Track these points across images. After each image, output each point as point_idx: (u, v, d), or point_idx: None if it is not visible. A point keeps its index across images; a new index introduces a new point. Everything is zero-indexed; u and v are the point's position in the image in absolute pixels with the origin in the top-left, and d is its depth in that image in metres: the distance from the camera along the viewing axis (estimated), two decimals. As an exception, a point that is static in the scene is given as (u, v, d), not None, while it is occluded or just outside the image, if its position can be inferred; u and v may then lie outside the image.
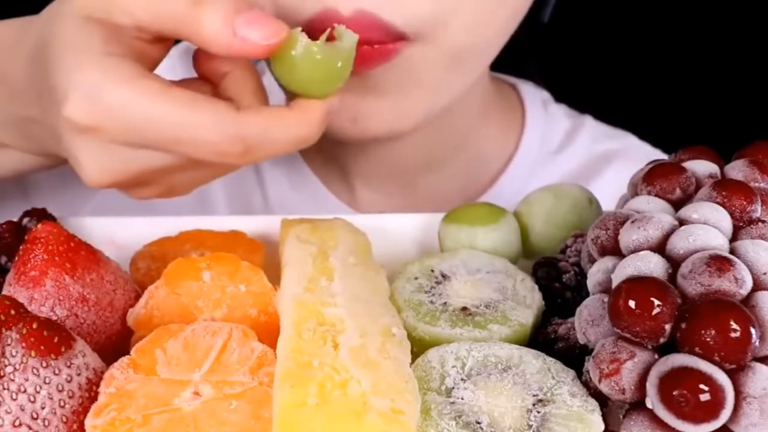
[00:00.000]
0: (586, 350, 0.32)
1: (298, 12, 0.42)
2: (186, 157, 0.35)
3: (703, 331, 0.26)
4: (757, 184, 0.33)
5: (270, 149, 0.35)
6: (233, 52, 0.34)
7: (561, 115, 0.65)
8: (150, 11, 0.34)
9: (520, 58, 0.60)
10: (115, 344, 0.35)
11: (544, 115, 0.64)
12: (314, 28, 0.41)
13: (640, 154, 0.64)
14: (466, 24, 0.44)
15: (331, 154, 0.59)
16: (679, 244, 0.30)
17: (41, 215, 0.41)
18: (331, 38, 0.36)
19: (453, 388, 0.30)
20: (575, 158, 0.63)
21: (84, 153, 0.35)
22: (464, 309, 0.35)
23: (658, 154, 0.64)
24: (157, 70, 0.38)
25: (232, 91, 0.38)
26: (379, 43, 0.42)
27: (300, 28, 0.35)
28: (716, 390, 0.26)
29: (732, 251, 0.30)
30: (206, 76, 0.39)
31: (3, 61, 0.40)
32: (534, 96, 0.65)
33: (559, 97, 0.67)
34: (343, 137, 0.48)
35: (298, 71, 0.35)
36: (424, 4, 0.42)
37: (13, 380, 0.28)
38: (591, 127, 0.65)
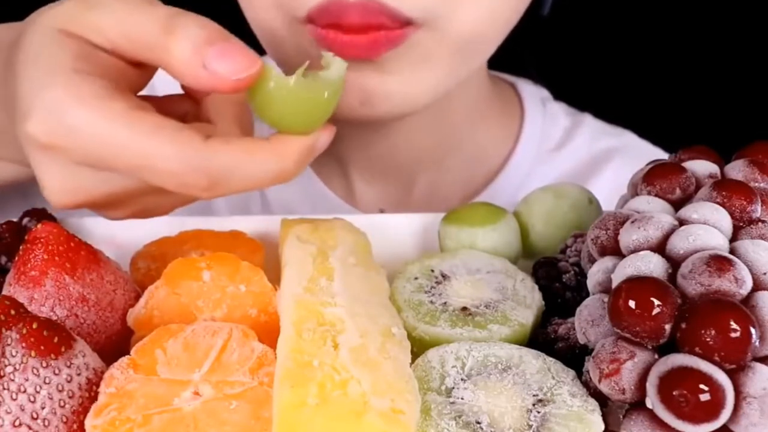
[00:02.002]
0: (586, 350, 0.32)
1: (304, 1, 0.42)
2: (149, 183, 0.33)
3: (703, 331, 0.26)
4: (757, 184, 0.33)
5: (238, 184, 0.33)
6: (201, 85, 0.32)
7: (560, 113, 0.65)
8: (122, 34, 0.33)
9: (519, 56, 0.60)
10: (115, 344, 0.35)
11: (542, 113, 0.64)
12: (321, 17, 0.41)
13: (640, 152, 0.64)
14: (472, 12, 0.44)
15: (329, 150, 0.59)
16: (679, 244, 0.30)
17: (41, 215, 0.41)
18: (318, 67, 0.34)
19: (453, 388, 0.30)
20: (574, 156, 0.63)
21: (46, 171, 0.33)
22: (464, 309, 0.35)
23: (658, 152, 0.64)
24: None
25: (211, 113, 0.37)
26: (385, 29, 0.42)
27: (273, 63, 0.33)
28: (716, 390, 0.26)
29: (732, 251, 0.30)
30: (190, 93, 0.38)
31: None
32: (533, 94, 0.65)
33: (558, 95, 0.67)
34: (351, 117, 0.47)
35: (273, 107, 0.33)
36: None
37: (13, 380, 0.28)
38: (590, 125, 0.65)
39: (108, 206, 0.35)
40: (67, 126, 0.31)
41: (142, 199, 0.35)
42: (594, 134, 0.64)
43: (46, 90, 0.31)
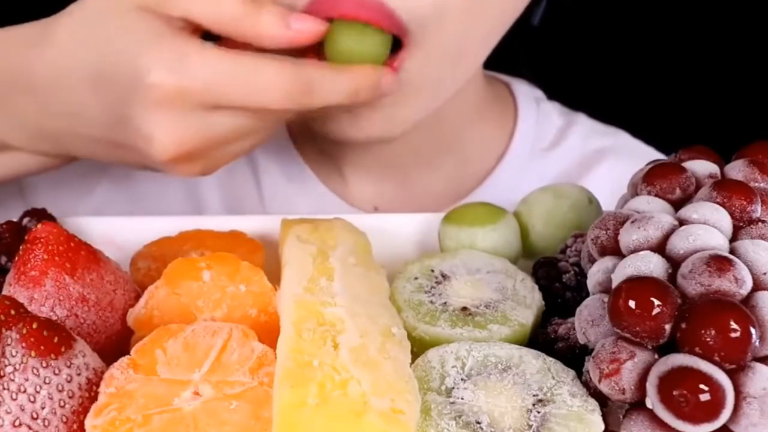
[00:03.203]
0: (586, 350, 0.32)
1: None
2: (250, 117, 0.40)
3: (703, 331, 0.26)
4: (757, 184, 0.33)
5: (327, 94, 0.41)
6: (287, 41, 0.40)
7: (554, 112, 0.65)
8: (208, 12, 0.39)
9: (513, 56, 0.60)
10: (115, 344, 0.35)
11: (536, 112, 0.64)
12: (317, 11, 0.42)
13: (633, 151, 0.64)
14: (460, 17, 0.44)
15: (325, 146, 0.59)
16: (679, 244, 0.30)
17: (41, 215, 0.41)
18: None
19: (453, 388, 0.30)
20: (568, 155, 0.63)
21: (158, 125, 0.39)
22: (464, 309, 0.35)
23: (651, 152, 0.64)
24: None
25: None
26: (377, 25, 0.43)
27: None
28: (716, 390, 0.26)
29: (732, 251, 0.30)
30: None
31: (26, 63, 0.41)
32: (527, 94, 0.65)
33: (552, 95, 0.67)
34: (342, 138, 0.49)
35: (345, 48, 0.42)
36: None
37: (13, 380, 0.28)
38: (583, 124, 0.65)
39: (193, 159, 0.41)
40: (190, 70, 0.38)
41: (226, 148, 0.42)
42: (587, 134, 0.64)
43: (158, 48, 0.38)
